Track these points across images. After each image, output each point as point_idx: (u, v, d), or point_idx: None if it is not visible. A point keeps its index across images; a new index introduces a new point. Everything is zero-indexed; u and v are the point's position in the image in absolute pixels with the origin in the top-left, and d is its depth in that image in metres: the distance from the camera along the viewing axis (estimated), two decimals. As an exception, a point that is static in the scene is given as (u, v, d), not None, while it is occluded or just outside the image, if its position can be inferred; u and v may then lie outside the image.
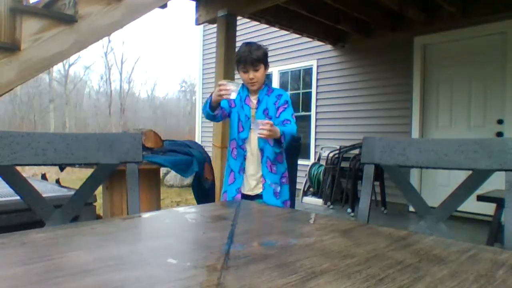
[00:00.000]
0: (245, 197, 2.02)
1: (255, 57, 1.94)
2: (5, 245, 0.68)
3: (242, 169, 2.00)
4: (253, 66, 1.95)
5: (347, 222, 0.95)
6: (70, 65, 21.01)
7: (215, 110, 1.93)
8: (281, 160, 2.04)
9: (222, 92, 1.78)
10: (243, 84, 2.04)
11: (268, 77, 6.43)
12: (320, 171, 5.49)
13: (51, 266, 0.58)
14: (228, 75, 3.78)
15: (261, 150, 1.99)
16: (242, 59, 1.96)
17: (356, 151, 4.95)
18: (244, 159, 2.00)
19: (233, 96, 1.79)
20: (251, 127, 1.93)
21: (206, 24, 4.83)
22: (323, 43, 5.80)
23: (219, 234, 0.81)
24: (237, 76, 4.65)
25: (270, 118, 1.95)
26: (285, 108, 1.99)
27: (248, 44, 2.00)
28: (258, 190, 2.00)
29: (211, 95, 1.90)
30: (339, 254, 0.67)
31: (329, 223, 0.94)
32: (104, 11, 2.34)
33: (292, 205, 4.05)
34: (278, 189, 1.99)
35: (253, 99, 2.03)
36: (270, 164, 1.98)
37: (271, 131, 1.75)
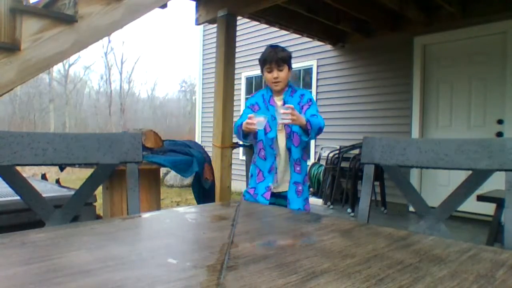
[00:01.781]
0: (274, 195, 2.06)
1: (280, 57, 2.00)
2: (5, 245, 0.68)
3: (274, 168, 2.03)
4: (278, 65, 1.99)
5: (347, 222, 0.95)
6: (70, 65, 21.03)
7: (248, 137, 2.01)
8: (306, 159, 2.08)
9: (250, 127, 1.83)
10: (267, 86, 2.10)
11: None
12: (320, 171, 5.49)
13: (51, 266, 0.58)
14: (228, 75, 3.78)
15: (289, 149, 2.02)
16: (268, 59, 2.00)
17: (356, 151, 4.95)
18: (275, 158, 2.03)
19: (260, 127, 1.85)
20: (277, 119, 1.92)
21: (206, 24, 4.83)
22: (323, 43, 5.80)
23: (219, 234, 0.81)
24: (237, 76, 4.66)
25: None
26: (310, 105, 2.03)
27: (273, 46, 2.06)
28: (284, 189, 2.04)
29: (240, 124, 1.94)
30: (339, 254, 0.67)
31: (329, 223, 0.94)
32: (104, 11, 2.34)
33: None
34: (301, 187, 2.03)
35: (277, 100, 2.07)
36: (299, 164, 2.03)
37: (294, 116, 1.78)
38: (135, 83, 36.14)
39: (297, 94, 2.06)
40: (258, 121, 1.82)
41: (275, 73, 2.00)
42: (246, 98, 7.21)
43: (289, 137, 2.02)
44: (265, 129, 2.02)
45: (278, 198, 2.05)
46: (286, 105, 1.81)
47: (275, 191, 2.05)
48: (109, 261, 0.61)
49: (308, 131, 1.89)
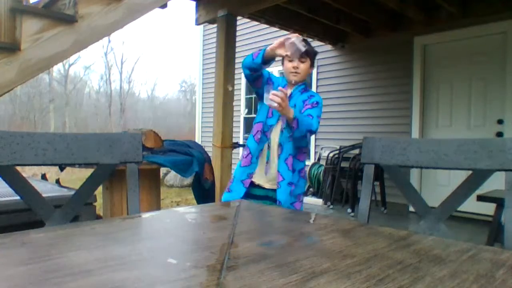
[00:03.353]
0: (256, 188, 1.93)
1: (305, 48, 1.86)
2: (5, 245, 0.68)
3: (264, 156, 1.91)
4: (301, 56, 1.87)
5: (347, 222, 0.95)
6: (70, 65, 21.03)
7: (266, 63, 1.82)
8: (303, 158, 1.95)
9: (282, 48, 1.71)
10: (283, 76, 1.99)
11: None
12: (320, 171, 5.49)
13: (51, 266, 0.58)
14: (228, 75, 3.78)
15: (280, 145, 1.89)
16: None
17: (356, 151, 4.95)
18: (266, 147, 1.91)
19: (294, 55, 1.73)
20: (264, 94, 1.75)
21: (206, 24, 4.83)
22: (323, 43, 5.80)
23: (219, 234, 0.80)
24: (237, 76, 4.65)
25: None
26: (313, 106, 1.89)
27: (301, 39, 1.96)
28: (273, 186, 1.91)
29: (264, 49, 1.80)
30: (339, 254, 0.67)
31: (329, 223, 0.94)
32: (104, 11, 2.34)
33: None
34: (293, 189, 1.90)
35: (288, 92, 1.94)
36: (291, 162, 1.88)
37: (283, 103, 1.64)
38: (135, 83, 36.15)
39: (307, 94, 1.95)
40: (295, 41, 1.69)
41: (295, 63, 1.89)
42: (247, 99, 7.22)
43: (283, 132, 1.90)
44: (268, 113, 1.90)
45: (265, 197, 1.92)
46: (280, 88, 1.67)
47: (261, 184, 1.92)
48: (109, 261, 0.61)
49: (293, 129, 1.75)
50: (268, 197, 1.94)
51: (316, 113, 1.87)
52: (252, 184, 1.94)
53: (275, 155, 1.92)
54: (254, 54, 1.83)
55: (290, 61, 1.90)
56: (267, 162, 1.92)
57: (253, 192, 1.94)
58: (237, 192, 1.92)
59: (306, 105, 1.90)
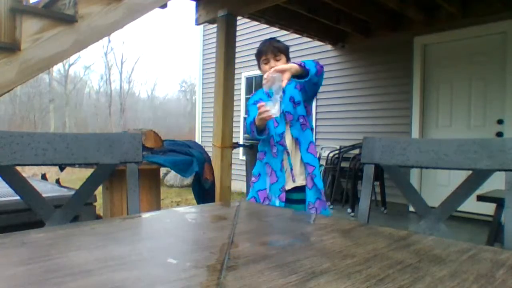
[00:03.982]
0: (289, 195, 1.90)
1: (276, 46, 1.90)
2: (5, 245, 0.68)
3: (288, 166, 1.90)
4: (274, 55, 1.89)
5: (347, 222, 0.95)
6: (70, 65, 21.04)
7: (263, 132, 1.84)
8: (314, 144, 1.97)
9: (263, 115, 1.65)
10: None
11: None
12: (320, 171, 5.49)
13: (51, 266, 0.58)
14: (228, 75, 3.78)
15: (297, 139, 1.89)
16: (263, 49, 1.91)
17: (356, 151, 4.95)
18: (285, 154, 1.90)
19: (276, 113, 1.65)
20: (272, 88, 1.67)
21: (206, 24, 4.83)
22: (323, 43, 5.80)
23: (219, 234, 0.80)
24: (237, 76, 4.65)
25: (298, 104, 1.88)
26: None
27: (268, 39, 1.97)
28: (303, 182, 1.90)
29: (253, 120, 1.78)
30: (339, 254, 0.67)
31: (329, 223, 0.94)
32: (104, 11, 2.34)
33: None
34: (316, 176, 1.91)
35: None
36: (313, 147, 1.91)
37: (286, 68, 1.59)
38: (135, 83, 36.17)
39: (293, 82, 1.87)
40: (270, 108, 1.63)
41: (272, 63, 1.87)
42: (247, 99, 7.22)
43: (293, 125, 1.88)
44: (272, 124, 1.88)
45: (292, 193, 1.90)
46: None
47: (292, 186, 1.90)
48: (109, 261, 0.61)
49: (307, 71, 1.65)
50: (301, 199, 1.90)
51: None
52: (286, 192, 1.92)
53: (294, 154, 1.91)
54: (251, 129, 1.81)
55: (266, 63, 1.91)
56: (291, 170, 1.91)
57: (291, 197, 1.90)
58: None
59: (299, 89, 1.89)
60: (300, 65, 1.65)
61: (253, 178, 2.01)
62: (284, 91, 1.87)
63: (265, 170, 1.95)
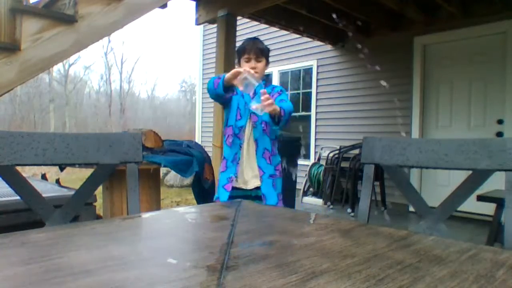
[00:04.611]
0: (238, 190, 1.96)
1: (260, 48, 1.97)
2: (5, 245, 0.68)
3: (237, 159, 1.95)
4: (257, 56, 1.96)
5: (347, 222, 0.95)
6: (70, 65, 21.03)
7: (227, 91, 1.85)
8: (275, 152, 2.00)
9: (238, 78, 1.70)
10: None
11: (268, 77, 6.44)
12: (320, 171, 5.49)
13: (51, 266, 0.58)
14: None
15: (256, 141, 1.94)
16: (247, 48, 1.97)
17: (356, 151, 4.95)
18: (240, 148, 1.95)
19: (247, 89, 1.72)
20: (251, 107, 1.79)
21: (206, 24, 4.83)
22: (323, 43, 5.80)
23: (219, 234, 0.80)
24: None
25: None
26: (280, 94, 1.97)
27: (252, 38, 2.04)
28: (254, 184, 1.95)
29: (222, 76, 1.80)
30: (339, 254, 0.67)
31: (329, 223, 0.94)
32: (104, 11, 2.34)
33: (292, 205, 4.05)
34: (275, 181, 1.96)
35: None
36: (269, 155, 1.95)
37: (272, 102, 1.69)
38: (135, 83, 36.19)
39: (269, 87, 1.99)
40: (247, 76, 1.68)
41: (253, 63, 1.95)
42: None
43: (256, 127, 1.94)
44: (236, 116, 1.94)
45: (248, 197, 1.93)
46: (262, 91, 1.70)
47: (243, 186, 1.96)
48: (109, 261, 0.61)
49: (280, 118, 1.78)
50: (248, 196, 1.95)
51: (286, 97, 1.98)
52: (233, 187, 1.97)
53: (250, 153, 1.96)
54: (215, 82, 1.83)
55: (247, 62, 1.97)
56: (239, 163, 1.96)
57: (234, 195, 1.96)
58: (222, 197, 1.97)
59: (273, 95, 1.95)
60: (281, 111, 1.76)
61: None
62: (256, 92, 1.88)
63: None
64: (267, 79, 1.98)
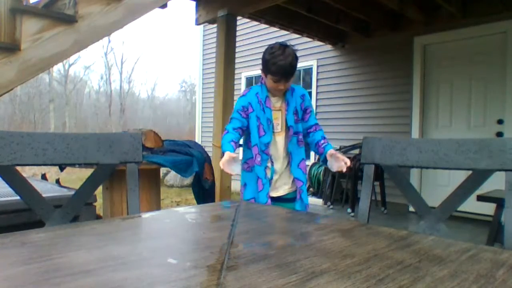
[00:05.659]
0: (273, 199, 1.97)
1: (293, 72, 1.84)
2: (5, 245, 0.68)
3: (270, 173, 1.94)
4: (287, 80, 1.83)
5: (347, 222, 0.95)
6: (70, 65, 21.03)
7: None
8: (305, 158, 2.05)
9: (225, 169, 1.69)
10: (261, 84, 1.93)
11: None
12: (320, 171, 5.49)
13: (51, 266, 0.58)
14: (228, 75, 3.78)
15: (290, 153, 1.95)
16: (280, 71, 1.79)
17: (356, 151, 4.95)
18: (268, 163, 1.93)
19: (237, 171, 1.73)
20: (327, 164, 1.89)
21: (206, 24, 4.83)
22: (323, 43, 5.80)
23: (219, 234, 0.80)
24: (237, 76, 4.65)
25: (300, 120, 1.95)
26: (310, 111, 1.99)
27: (286, 50, 1.81)
28: (285, 192, 1.99)
29: (223, 150, 1.80)
30: (339, 254, 0.67)
31: (329, 223, 0.94)
32: (104, 11, 2.34)
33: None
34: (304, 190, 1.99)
35: (274, 101, 1.94)
36: (304, 165, 1.98)
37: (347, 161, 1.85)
38: (135, 83, 36.15)
39: (297, 94, 1.94)
40: (233, 167, 1.69)
41: (282, 85, 1.84)
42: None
43: (291, 140, 1.93)
44: (258, 132, 1.90)
45: (278, 202, 1.95)
46: (337, 155, 1.86)
47: (274, 195, 1.97)
48: (109, 261, 0.61)
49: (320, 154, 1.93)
50: (280, 198, 1.99)
51: (314, 115, 2.02)
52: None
53: (282, 166, 1.97)
54: (223, 142, 1.83)
55: (276, 82, 1.84)
56: (272, 177, 1.96)
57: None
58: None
59: (305, 109, 1.97)
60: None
61: (241, 188, 2.06)
62: (288, 103, 1.94)
63: (250, 179, 1.98)
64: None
